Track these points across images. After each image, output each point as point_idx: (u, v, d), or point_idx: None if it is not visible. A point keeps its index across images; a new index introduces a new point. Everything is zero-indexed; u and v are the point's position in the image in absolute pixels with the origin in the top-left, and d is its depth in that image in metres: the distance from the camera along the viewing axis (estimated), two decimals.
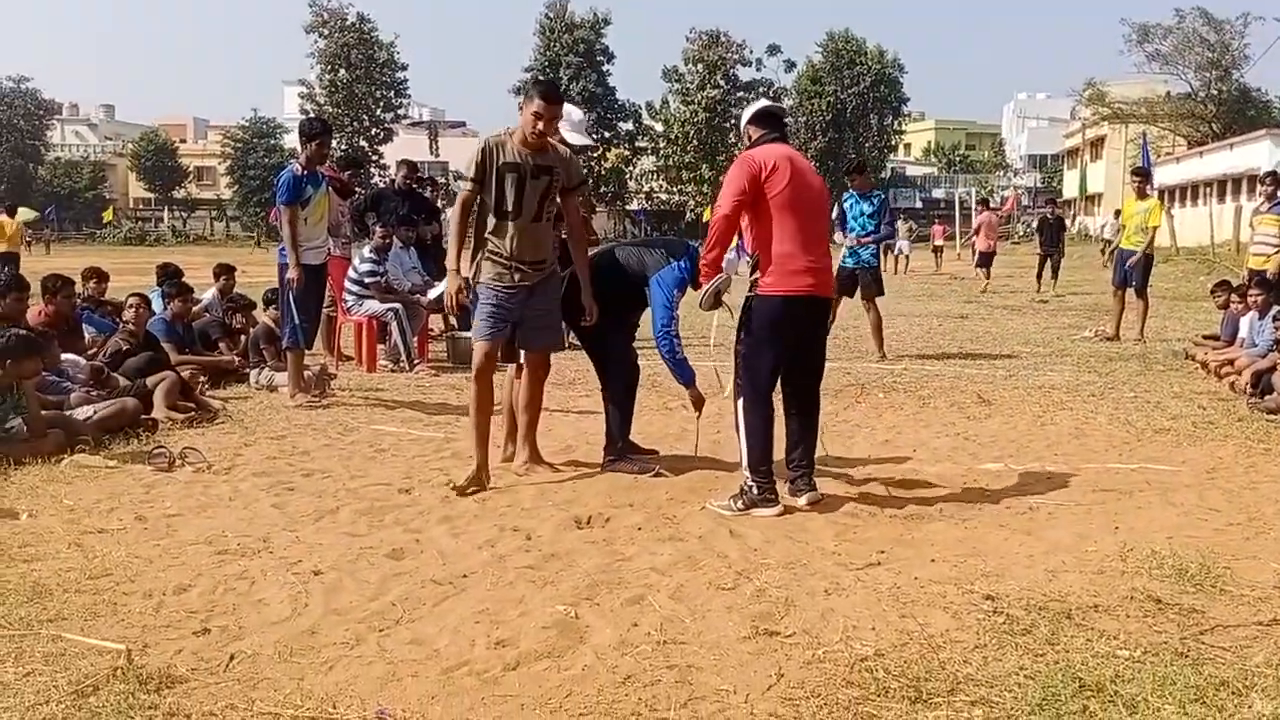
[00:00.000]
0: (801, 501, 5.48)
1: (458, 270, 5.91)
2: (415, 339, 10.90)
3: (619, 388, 6.36)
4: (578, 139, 6.30)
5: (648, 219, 66.86)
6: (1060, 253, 23.41)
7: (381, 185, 13.34)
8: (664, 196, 68.53)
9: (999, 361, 11.61)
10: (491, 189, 5.80)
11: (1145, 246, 13.52)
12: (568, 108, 6.10)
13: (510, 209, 5.79)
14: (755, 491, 5.36)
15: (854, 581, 4.27)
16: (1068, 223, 24.62)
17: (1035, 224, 34.42)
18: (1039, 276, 22.63)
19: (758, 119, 5.62)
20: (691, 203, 64.33)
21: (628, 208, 69.64)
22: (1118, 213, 18.74)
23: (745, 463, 5.41)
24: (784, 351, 5.46)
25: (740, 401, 5.46)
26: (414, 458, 6.69)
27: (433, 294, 10.89)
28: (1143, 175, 14.61)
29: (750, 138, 5.60)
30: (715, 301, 5.51)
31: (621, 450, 6.36)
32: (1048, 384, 9.85)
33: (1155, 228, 13.69)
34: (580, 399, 9.03)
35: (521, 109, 5.84)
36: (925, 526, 5.20)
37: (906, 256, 33.07)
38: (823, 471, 6.27)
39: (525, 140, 5.78)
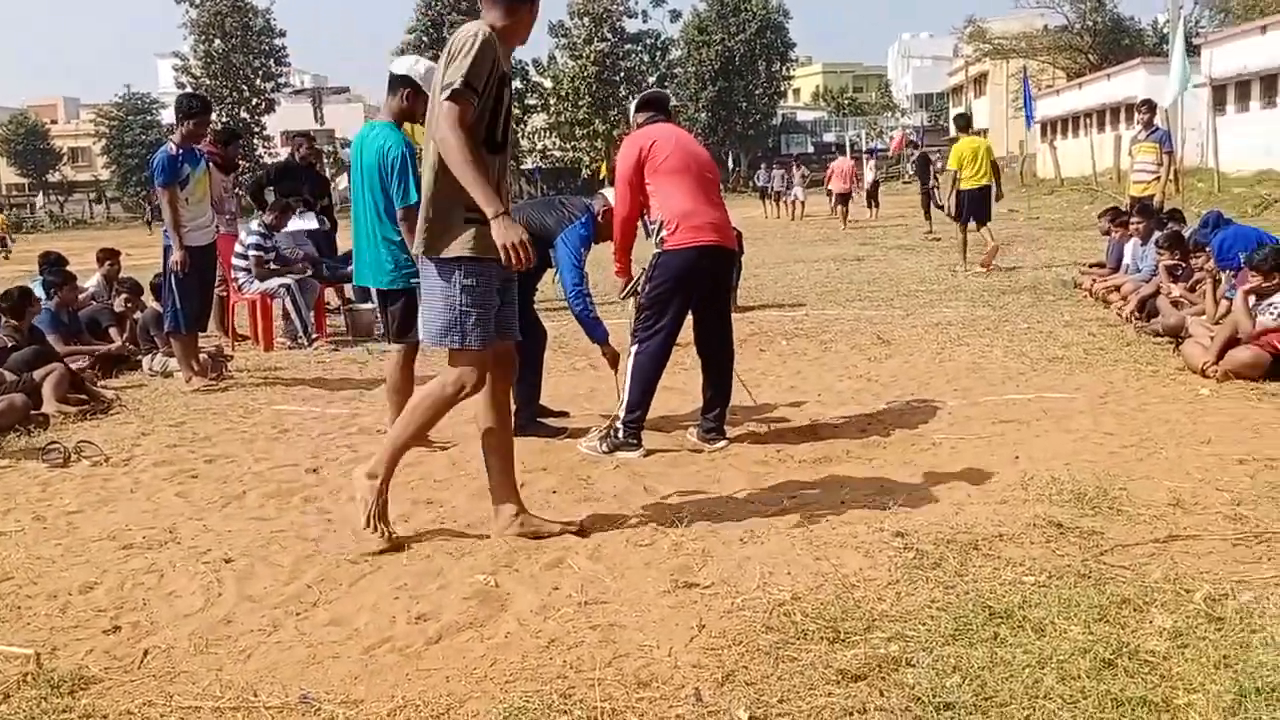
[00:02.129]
0: (713, 449, 5.70)
1: (507, 211, 3.93)
2: (311, 313, 10.71)
3: (527, 350, 6.30)
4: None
5: (543, 177, 66.33)
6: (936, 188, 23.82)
7: (285, 159, 13.02)
8: (558, 154, 68.00)
9: (896, 301, 11.83)
10: (487, 110, 4.02)
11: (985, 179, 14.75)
12: (418, 58, 6.00)
13: (500, 139, 4.14)
14: (621, 434, 5.67)
15: (768, 529, 4.34)
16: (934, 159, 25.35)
17: (912, 166, 35.62)
18: (927, 215, 22.94)
19: (640, 106, 6.03)
20: (586, 159, 63.92)
21: (522, 167, 68.95)
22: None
23: (623, 405, 5.70)
24: (687, 303, 5.71)
25: (635, 348, 5.73)
26: (319, 436, 6.61)
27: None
28: (964, 120, 16.40)
29: (636, 125, 5.93)
30: (634, 291, 5.87)
31: (532, 414, 6.34)
32: (944, 321, 10.08)
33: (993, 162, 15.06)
34: None
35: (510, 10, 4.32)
36: (834, 468, 5.30)
37: (801, 202, 33.47)
38: (731, 420, 6.36)
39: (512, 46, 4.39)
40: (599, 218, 6.18)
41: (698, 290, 5.71)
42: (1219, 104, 30.60)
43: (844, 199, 27.70)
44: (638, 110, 6.01)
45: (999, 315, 10.25)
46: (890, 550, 3.97)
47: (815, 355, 8.75)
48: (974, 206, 14.80)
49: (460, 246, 4.02)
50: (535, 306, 6.66)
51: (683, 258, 5.57)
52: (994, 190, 15.12)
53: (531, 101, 66.41)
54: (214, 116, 11.70)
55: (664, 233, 5.62)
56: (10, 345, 8.05)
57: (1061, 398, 6.60)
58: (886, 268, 15.85)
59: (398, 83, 5.82)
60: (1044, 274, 13.66)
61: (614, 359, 6.40)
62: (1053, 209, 27.25)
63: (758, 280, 14.58)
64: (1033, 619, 3.28)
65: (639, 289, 5.86)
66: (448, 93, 3.86)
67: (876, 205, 30.11)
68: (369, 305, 11.08)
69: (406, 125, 6.08)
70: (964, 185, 14.85)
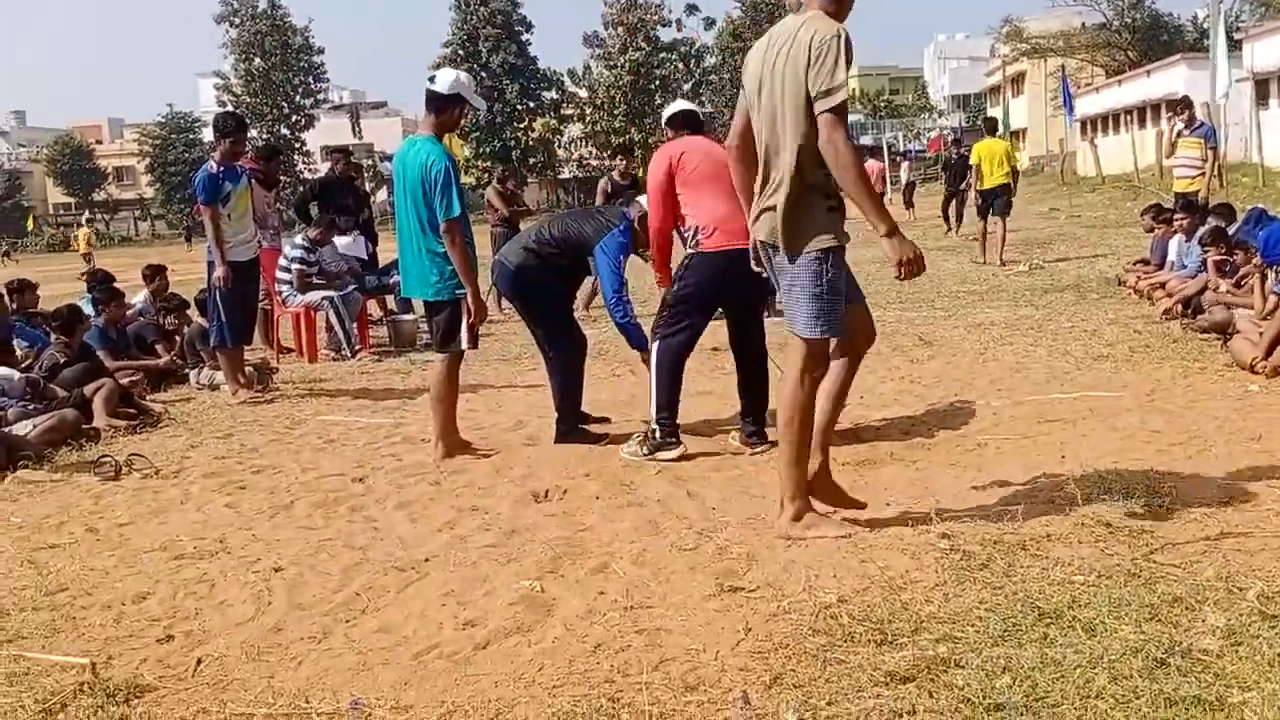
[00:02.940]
0: (755, 452, 5.74)
1: (897, 230, 4.00)
2: (354, 325, 10.80)
3: (566, 359, 6.36)
4: (480, 101, 6.30)
5: (579, 187, 66.52)
6: (968, 189, 23.36)
7: (325, 175, 13.25)
8: (594, 163, 68.14)
9: (938, 302, 11.76)
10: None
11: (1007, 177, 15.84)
12: (456, 71, 6.05)
13: None
14: (659, 435, 5.71)
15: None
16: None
17: (941, 163, 35.12)
18: (944, 215, 22.20)
19: (669, 123, 6.13)
20: (604, 180, 64.19)
21: (558, 176, 69.24)
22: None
23: (653, 405, 5.75)
24: (713, 305, 5.83)
25: (658, 345, 5.78)
26: (364, 446, 6.66)
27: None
28: (991, 123, 18.07)
29: (667, 139, 6.09)
30: None
31: (574, 421, 6.38)
32: (986, 321, 10.01)
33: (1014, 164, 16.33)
34: (527, 373, 9.01)
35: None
36: (878, 471, 5.28)
37: None
38: (773, 423, 6.34)
39: None
40: (636, 224, 6.21)
41: (729, 293, 5.76)
42: (1262, 98, 30.17)
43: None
44: (668, 125, 6.15)
45: (1043, 314, 10.16)
46: (936, 551, 3.95)
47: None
48: (993, 200, 15.88)
49: (825, 239, 4.08)
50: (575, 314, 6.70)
51: (714, 262, 5.59)
52: (1010, 189, 16.13)
53: (568, 112, 66.68)
54: (255, 133, 11.90)
55: (700, 236, 5.65)
56: (61, 361, 8.19)
57: (1108, 396, 6.53)
58: (927, 269, 15.71)
59: (447, 101, 5.87)
60: (1087, 272, 13.52)
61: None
62: (1094, 207, 26.95)
63: None
64: (1083, 619, 3.24)
65: None
66: (832, 103, 3.86)
67: (913, 207, 29.95)
68: (411, 316, 11.20)
69: (445, 138, 6.13)
70: (985, 184, 15.96)
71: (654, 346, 5.82)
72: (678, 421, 5.82)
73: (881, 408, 6.76)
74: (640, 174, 13.23)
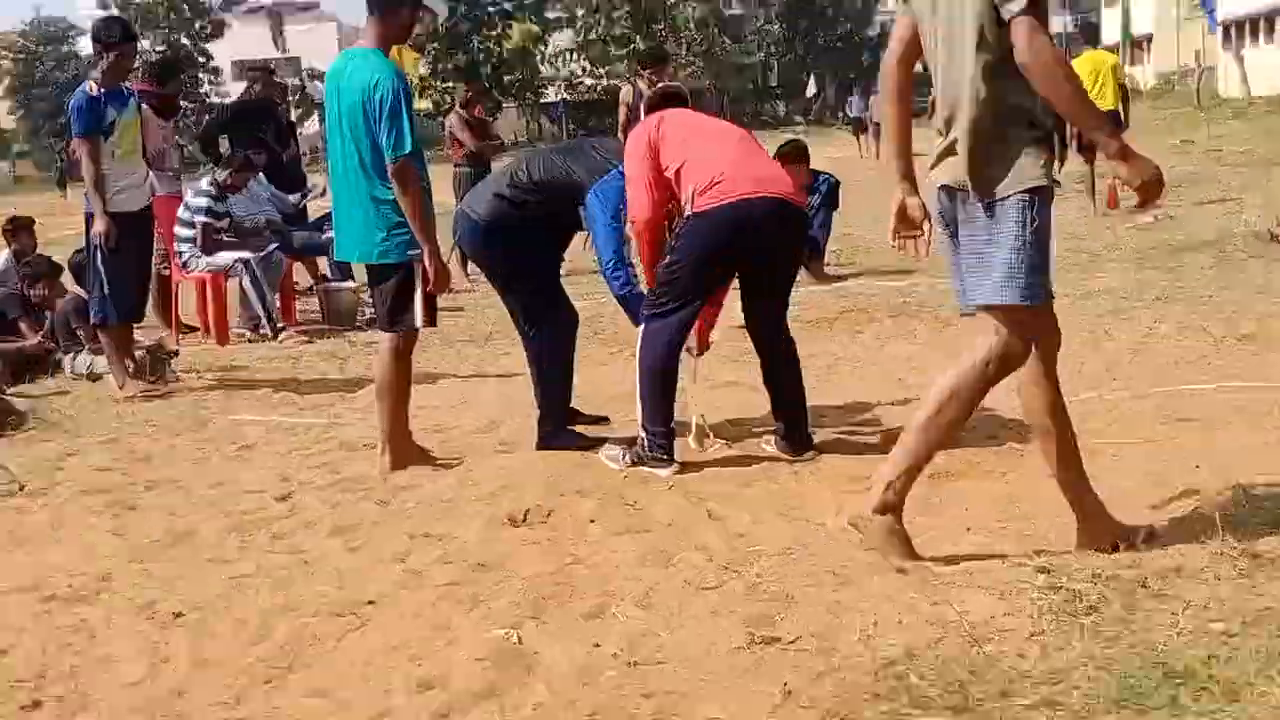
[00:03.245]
0: (797, 461, 5.81)
1: (1128, 147, 3.99)
2: (277, 296, 10.81)
3: (551, 341, 6.37)
4: (439, 2, 6.34)
5: (569, 114, 66.43)
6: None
7: (239, 99, 13.28)
8: (589, 82, 68.10)
9: None
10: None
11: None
12: None
13: None
14: (646, 446, 5.78)
15: (870, 564, 4.33)
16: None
17: None
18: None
19: (652, 107, 6.37)
20: (627, 87, 64.08)
21: (542, 100, 69.13)
22: None
23: (640, 411, 5.83)
24: (715, 279, 5.86)
25: (642, 332, 5.83)
26: (290, 453, 6.69)
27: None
28: (1090, 31, 17.39)
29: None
30: None
31: (561, 420, 6.40)
32: (1100, 288, 10.01)
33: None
34: (501, 358, 9.03)
35: None
36: (955, 485, 5.31)
37: None
38: (819, 423, 6.37)
39: None
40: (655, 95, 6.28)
41: (739, 257, 5.78)
42: None
43: None
44: (649, 112, 6.34)
45: (1171, 281, 10.16)
46: (1032, 590, 3.95)
47: (930, 337, 8.74)
48: None
49: (1028, 176, 4.06)
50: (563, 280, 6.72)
51: (717, 221, 5.61)
52: (1121, 118, 15.80)
53: (554, 15, 66.56)
54: (147, 44, 11.85)
55: (696, 197, 5.66)
56: None
57: (1255, 388, 6.53)
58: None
59: (395, 2, 5.88)
60: (1230, 224, 13.49)
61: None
62: (1240, 138, 26.86)
63: (852, 240, 14.55)
64: (1223, 679, 3.24)
65: None
66: (1023, 4, 3.84)
67: None
68: (350, 284, 11.22)
69: (394, 50, 6.14)
70: None
71: (639, 334, 5.87)
72: (673, 427, 5.86)
73: None
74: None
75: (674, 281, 5.72)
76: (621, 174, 6.16)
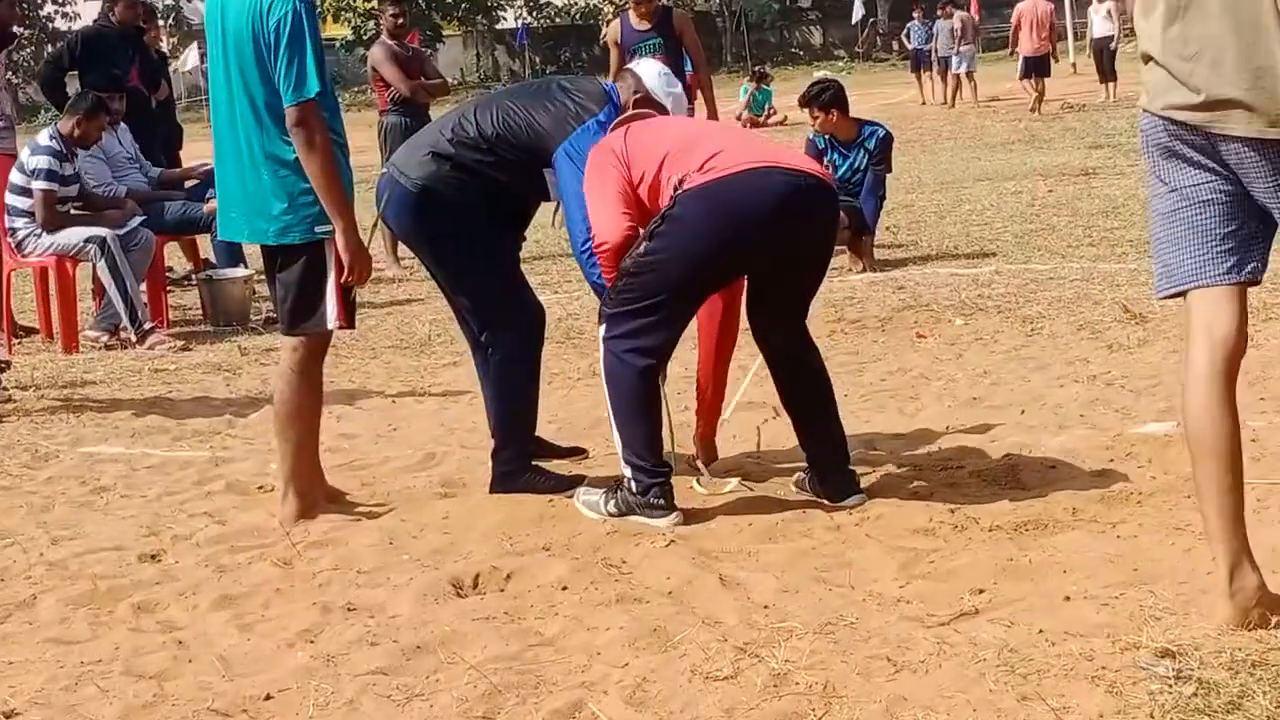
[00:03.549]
0: (837, 505, 5.81)
1: None
2: (143, 288, 10.77)
3: (509, 349, 6.34)
4: None
5: (534, 44, 66.56)
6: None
7: (93, 25, 13.20)
8: (558, 3, 68.34)
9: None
10: None
11: None
12: None
13: None
14: (635, 489, 5.74)
15: (936, 646, 4.30)
16: None
17: None
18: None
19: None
20: (609, 8, 64.14)
21: (497, 26, 69.27)
22: None
23: (619, 444, 5.83)
24: (714, 277, 5.83)
25: (603, 340, 5.83)
26: (161, 498, 6.65)
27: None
28: None
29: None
30: None
31: (524, 453, 6.38)
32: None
33: None
34: (443, 370, 9.01)
35: None
36: (1050, 541, 5.27)
37: (969, 74, 33.66)
38: (867, 458, 6.34)
39: None
40: (628, 109, 6.19)
41: (750, 251, 5.73)
42: None
43: (1037, 67, 29.01)
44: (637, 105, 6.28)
45: None
46: (1153, 682, 3.92)
47: (1014, 343, 8.74)
48: None
49: None
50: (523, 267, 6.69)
51: (713, 197, 5.58)
52: None
53: None
54: None
55: (686, 181, 5.66)
56: None
57: None
58: (1137, 186, 15.71)
59: None
60: None
61: None
62: None
63: (911, 214, 14.57)
64: None
65: None
66: None
67: (1113, 79, 30.00)
68: (242, 271, 11.18)
69: None
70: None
71: (600, 352, 5.87)
72: (669, 461, 5.87)
73: (1059, 429, 6.78)
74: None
75: (650, 273, 5.64)
76: (600, 124, 6.14)
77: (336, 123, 5.92)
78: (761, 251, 5.71)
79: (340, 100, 6.01)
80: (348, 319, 6.01)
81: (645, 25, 12.80)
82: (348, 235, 5.82)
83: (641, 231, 5.72)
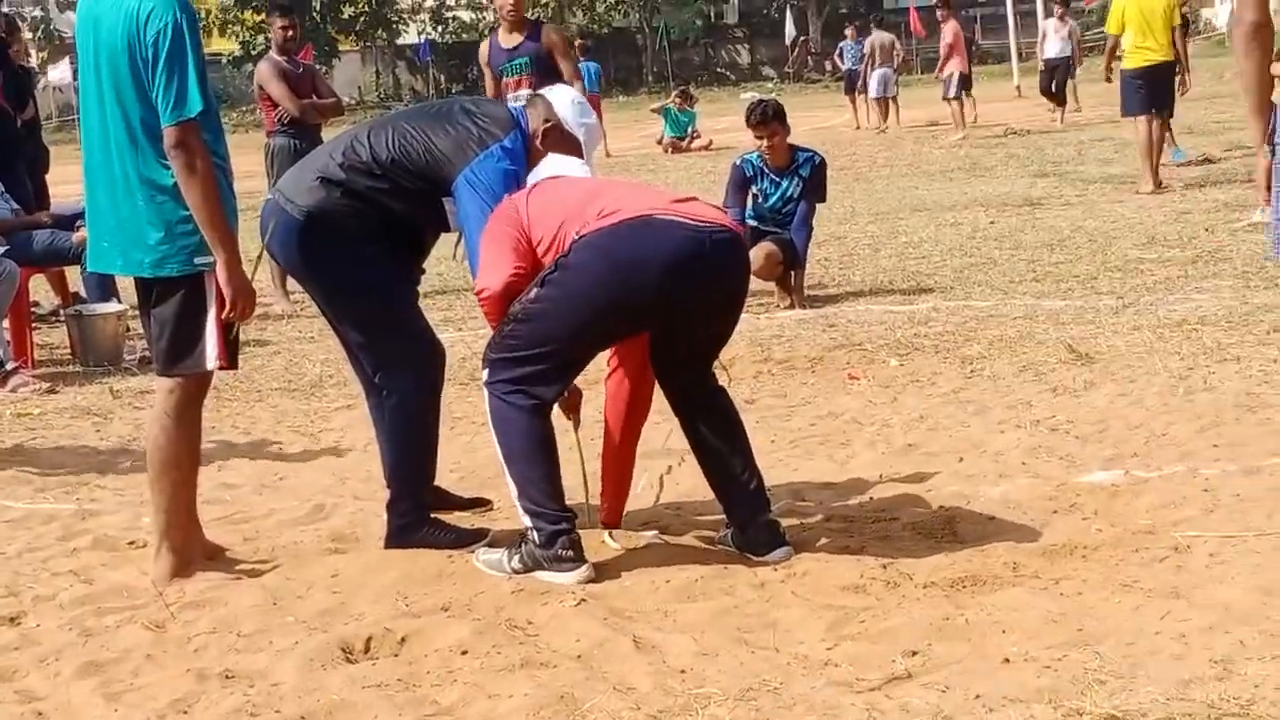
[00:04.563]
0: (759, 559, 5.85)
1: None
2: (4, 324, 10.68)
3: (406, 389, 6.32)
4: None
5: (439, 60, 66.48)
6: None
7: None
8: (465, 16, 68.32)
9: (1102, 281, 11.97)
10: None
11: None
12: None
13: None
14: (540, 540, 5.77)
15: (866, 714, 4.32)
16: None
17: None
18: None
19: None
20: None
21: (399, 41, 69.18)
22: None
23: (514, 493, 5.87)
24: (609, 330, 5.88)
25: (489, 387, 5.87)
26: (21, 555, 6.59)
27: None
28: None
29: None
30: None
31: (421, 505, 6.37)
32: (1193, 316, 10.10)
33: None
34: (335, 414, 8.99)
35: None
36: (989, 598, 5.30)
37: (891, 99, 34.47)
38: (796, 509, 6.38)
39: None
40: (536, 138, 6.21)
41: (649, 309, 5.77)
42: None
43: (963, 86, 30.28)
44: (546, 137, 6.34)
45: None
46: None
47: (952, 386, 8.80)
48: (1150, 91, 17.48)
49: None
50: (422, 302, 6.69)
51: (609, 245, 5.65)
52: (1178, 69, 17.74)
53: None
54: None
55: (585, 227, 5.72)
56: None
57: None
58: (1084, 218, 15.97)
59: None
60: None
61: (573, 400, 6.41)
62: None
63: (844, 246, 14.65)
64: None
65: None
66: None
67: (1064, 102, 30.38)
68: (115, 307, 11.11)
69: None
70: (1128, 63, 17.60)
71: (485, 397, 5.93)
72: (573, 511, 5.88)
73: (999, 478, 6.84)
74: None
75: (538, 320, 5.70)
76: (505, 150, 6.14)
77: (220, 145, 5.89)
78: (659, 305, 5.72)
79: (226, 121, 5.98)
80: (229, 359, 5.96)
81: (515, 41, 12.95)
82: (230, 268, 5.78)
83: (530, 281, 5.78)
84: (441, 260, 7.16)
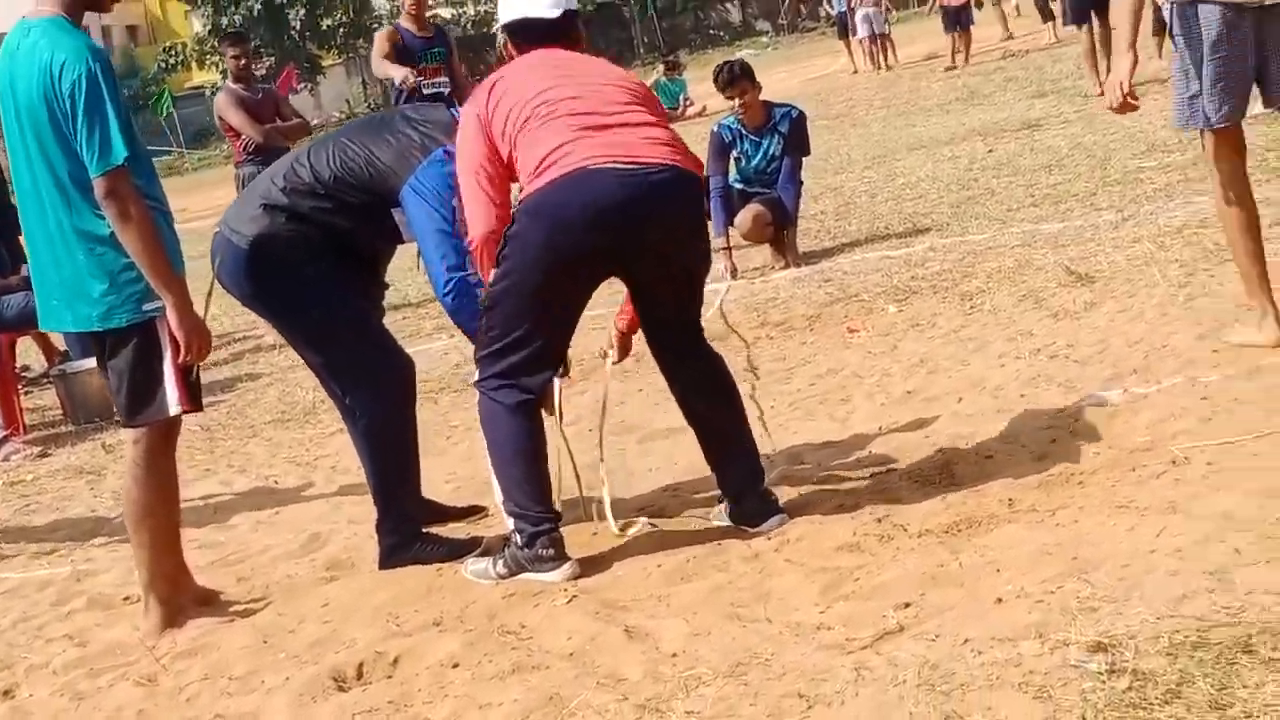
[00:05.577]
0: (757, 533, 5.87)
1: None
2: None
3: (376, 409, 6.34)
4: None
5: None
6: None
7: None
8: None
9: (1101, 197, 11.92)
10: None
11: None
12: None
13: None
14: (521, 542, 5.81)
15: (854, 674, 4.34)
16: None
17: None
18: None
19: (515, 33, 6.21)
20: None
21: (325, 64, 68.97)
22: None
23: (498, 495, 5.94)
24: (572, 293, 5.83)
25: (479, 386, 5.93)
26: (16, 625, 6.66)
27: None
28: None
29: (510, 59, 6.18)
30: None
31: (410, 521, 6.41)
32: (1194, 220, 10.04)
33: None
34: (331, 439, 9.02)
35: None
36: (984, 539, 5.33)
37: (885, 37, 34.46)
38: (793, 474, 6.45)
39: None
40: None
41: (594, 261, 5.76)
42: None
43: (957, 19, 30.17)
44: (509, 35, 6.24)
45: None
46: (1086, 680, 3.98)
47: (952, 325, 8.82)
48: None
49: None
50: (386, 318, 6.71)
51: (539, 211, 5.61)
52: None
53: None
54: None
55: (527, 181, 5.71)
56: None
57: None
58: (1083, 133, 15.90)
59: None
60: None
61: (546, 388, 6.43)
62: None
63: (840, 197, 14.61)
64: None
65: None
66: None
67: (1054, 17, 30.36)
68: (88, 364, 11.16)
69: (89, 16, 6.08)
70: None
71: (477, 401, 5.96)
72: (555, 508, 5.92)
73: (995, 413, 6.86)
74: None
75: (505, 302, 5.71)
76: (446, 154, 6.15)
77: (154, 188, 5.89)
78: (600, 256, 5.72)
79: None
80: (191, 401, 5.95)
81: (428, 33, 13.41)
82: (180, 310, 5.78)
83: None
84: (402, 271, 7.16)
